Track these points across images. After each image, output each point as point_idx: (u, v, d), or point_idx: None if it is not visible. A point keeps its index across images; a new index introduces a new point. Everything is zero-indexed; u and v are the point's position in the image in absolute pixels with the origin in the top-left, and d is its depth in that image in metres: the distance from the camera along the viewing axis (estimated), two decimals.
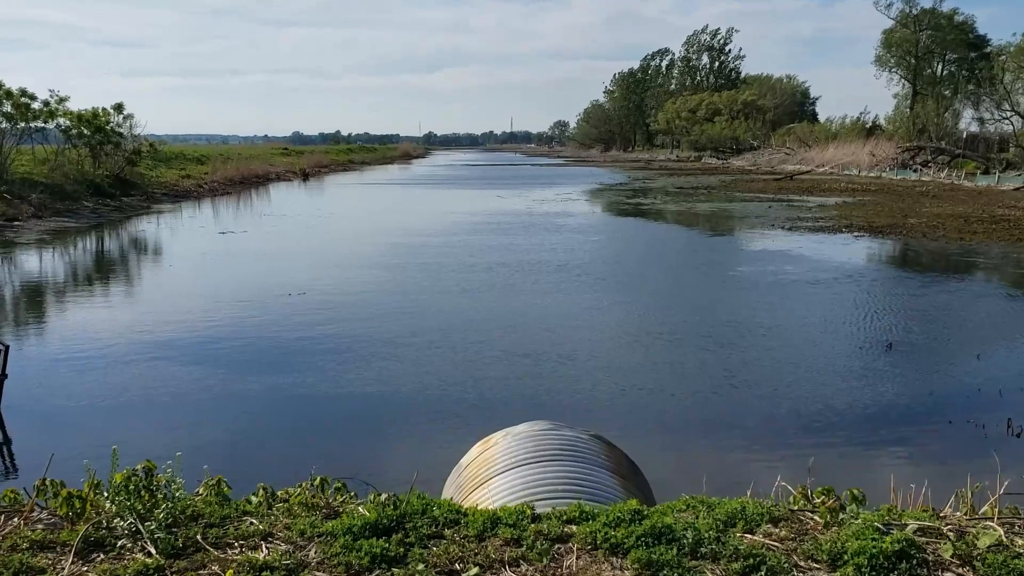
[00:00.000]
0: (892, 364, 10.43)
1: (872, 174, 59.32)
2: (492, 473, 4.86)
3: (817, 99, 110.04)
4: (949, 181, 49.54)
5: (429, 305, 13.92)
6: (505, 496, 4.38)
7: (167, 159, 47.38)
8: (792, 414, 8.51)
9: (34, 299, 15.14)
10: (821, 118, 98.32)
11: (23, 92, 30.67)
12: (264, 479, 3.85)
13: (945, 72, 78.99)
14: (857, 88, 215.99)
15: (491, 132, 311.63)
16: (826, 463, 6.72)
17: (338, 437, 8.00)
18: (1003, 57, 68.09)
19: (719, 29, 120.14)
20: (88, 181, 33.54)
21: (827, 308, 13.95)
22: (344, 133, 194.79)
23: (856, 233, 24.53)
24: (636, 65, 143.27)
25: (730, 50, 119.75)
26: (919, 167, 57.98)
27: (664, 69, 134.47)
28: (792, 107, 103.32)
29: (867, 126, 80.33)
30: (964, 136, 64.74)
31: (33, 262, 19.39)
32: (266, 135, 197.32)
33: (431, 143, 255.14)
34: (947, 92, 75.97)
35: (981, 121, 72.66)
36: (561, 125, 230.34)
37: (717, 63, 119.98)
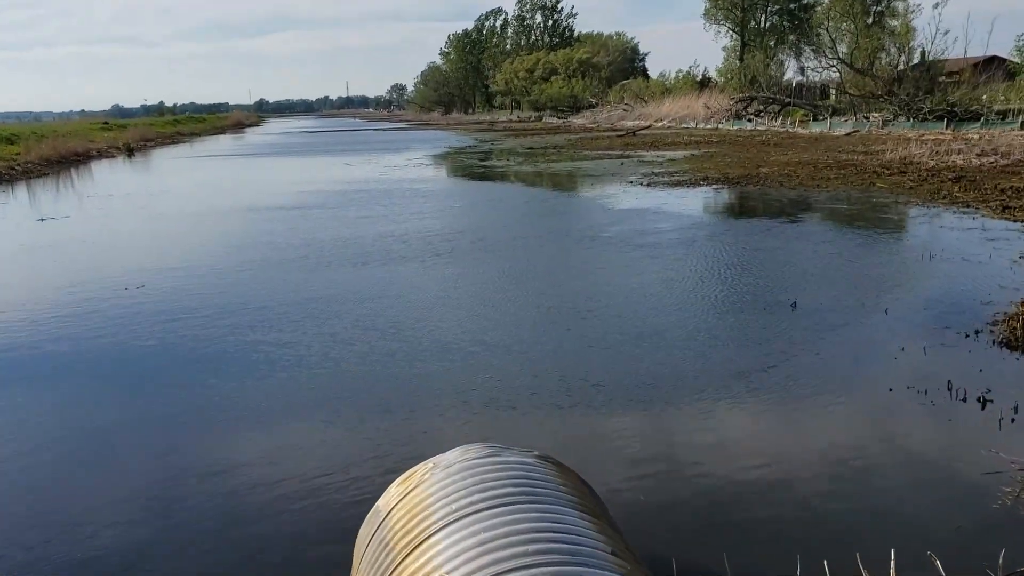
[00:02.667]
0: (799, 325, 9.98)
1: (709, 126, 60.83)
2: (430, 529, 3.76)
3: (646, 55, 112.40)
4: (784, 129, 51.30)
5: (280, 288, 12.55)
6: (460, 569, 3.32)
7: None
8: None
9: None
10: (652, 74, 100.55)
11: None
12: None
13: (768, 24, 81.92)
14: (683, 43, 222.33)
15: (327, 98, 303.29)
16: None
17: (182, 461, 6.71)
18: (819, 8, 71.19)
19: None
20: None
21: (708, 265, 13.55)
22: (169, 104, 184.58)
23: (715, 186, 24.60)
24: (471, 26, 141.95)
25: (562, 8, 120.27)
26: (752, 116, 59.85)
27: (499, 29, 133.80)
28: (624, 64, 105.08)
29: (698, 79, 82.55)
30: (794, 85, 67.40)
31: None
32: (83, 110, 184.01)
33: (263, 111, 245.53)
34: (772, 43, 78.96)
35: (803, 70, 76.02)
36: (399, 88, 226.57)
37: (551, 21, 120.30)
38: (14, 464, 6.67)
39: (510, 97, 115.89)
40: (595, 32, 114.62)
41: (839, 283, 12.30)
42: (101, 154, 54.04)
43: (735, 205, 21.38)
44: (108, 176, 39.91)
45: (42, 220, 22.28)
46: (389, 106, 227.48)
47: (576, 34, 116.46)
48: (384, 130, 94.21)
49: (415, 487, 4.32)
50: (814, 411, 7.35)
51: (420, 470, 4.46)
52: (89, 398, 8.20)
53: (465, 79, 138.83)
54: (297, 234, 18.06)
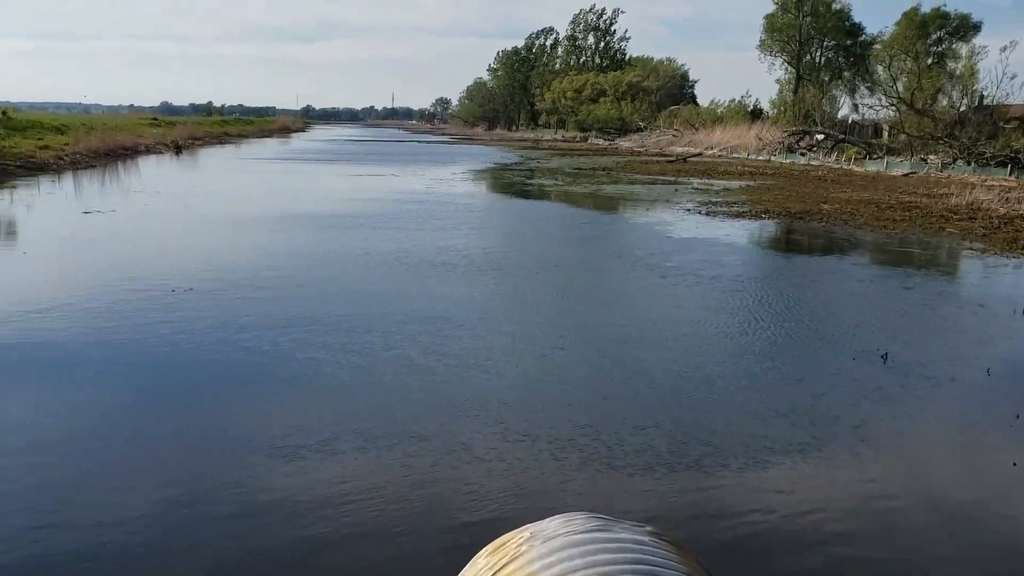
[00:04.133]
0: (894, 380, 9.15)
1: (761, 158, 59.81)
2: None
3: (696, 82, 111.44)
4: (839, 166, 50.19)
5: (332, 300, 11.92)
6: None
7: (22, 128, 42.92)
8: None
9: None
10: (701, 101, 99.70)
11: None
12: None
13: (823, 58, 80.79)
14: (732, 72, 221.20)
15: (372, 107, 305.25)
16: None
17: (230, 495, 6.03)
18: (876, 46, 70.07)
19: (604, 9, 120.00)
20: None
21: (786, 304, 12.75)
22: (217, 104, 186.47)
23: (777, 219, 23.79)
24: (520, 43, 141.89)
25: (615, 31, 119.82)
26: (805, 151, 58.77)
27: (549, 48, 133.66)
28: (673, 89, 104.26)
29: (750, 110, 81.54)
30: (849, 122, 66.31)
31: None
32: (132, 104, 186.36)
33: (309, 117, 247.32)
34: (826, 78, 77.85)
35: (857, 107, 74.79)
36: (443, 102, 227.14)
37: (603, 43, 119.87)
38: (46, 466, 6.07)
39: (556, 116, 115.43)
40: (645, 56, 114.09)
41: (928, 334, 11.46)
42: (149, 150, 54.22)
43: (802, 241, 20.54)
44: (155, 172, 39.86)
45: (87, 213, 21.94)
46: (433, 119, 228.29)
47: (627, 57, 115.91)
48: (428, 142, 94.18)
49: (510, 561, 3.60)
50: (932, 480, 6.54)
51: (514, 540, 3.75)
52: (130, 404, 7.59)
53: (511, 96, 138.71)
54: (348, 245, 17.49)
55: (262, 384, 8.34)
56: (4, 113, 36.42)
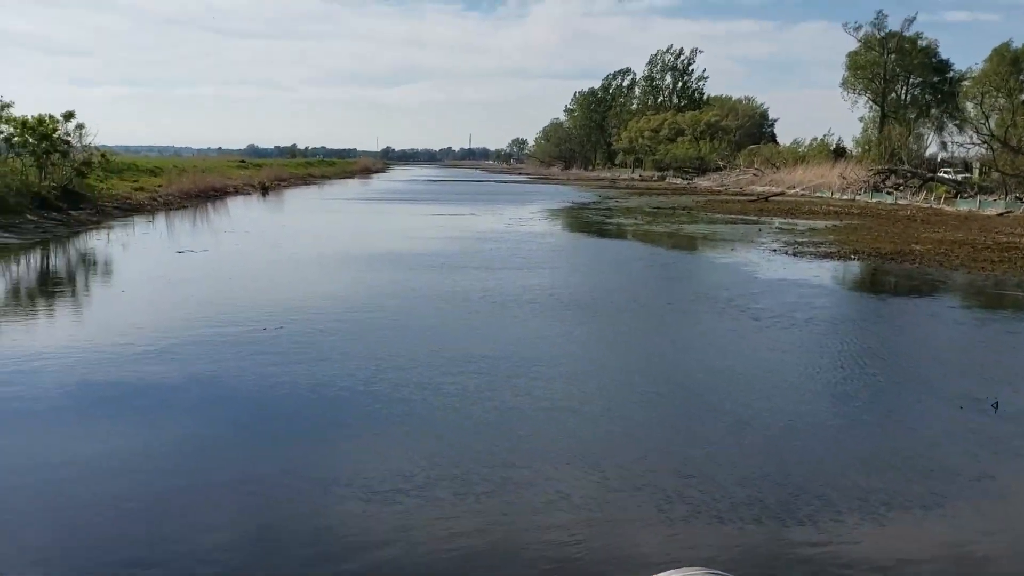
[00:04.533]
0: (1009, 431, 8.66)
1: (845, 197, 58.53)
2: None
3: (775, 121, 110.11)
4: (928, 205, 48.74)
5: (421, 340, 11.90)
6: None
7: (119, 170, 44.63)
8: None
9: None
10: (780, 140, 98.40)
11: None
12: None
13: (909, 96, 79.05)
14: (813, 110, 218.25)
15: (449, 148, 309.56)
16: None
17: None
18: (965, 83, 68.28)
19: (682, 49, 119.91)
20: (33, 193, 30.84)
21: (886, 349, 12.27)
22: (300, 146, 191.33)
23: (866, 260, 23.11)
24: (596, 84, 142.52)
25: (693, 70, 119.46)
26: (892, 190, 57.34)
27: (626, 88, 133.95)
28: (752, 128, 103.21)
29: (833, 148, 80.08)
30: (938, 160, 64.55)
31: None
32: (220, 147, 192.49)
33: (389, 158, 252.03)
34: (912, 116, 76.12)
35: (945, 145, 72.82)
36: (519, 142, 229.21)
37: (680, 83, 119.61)
38: (138, 497, 6.11)
39: (633, 155, 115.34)
40: (724, 95, 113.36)
41: None
42: (237, 191, 55.83)
43: (896, 283, 19.89)
44: (243, 213, 40.98)
45: (181, 252, 22.55)
46: (509, 159, 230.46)
47: (705, 96, 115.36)
48: (505, 182, 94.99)
49: None
50: None
51: None
52: (226, 442, 7.65)
53: (588, 136, 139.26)
54: (435, 284, 17.55)
55: (358, 426, 8.33)
56: (103, 156, 37.76)
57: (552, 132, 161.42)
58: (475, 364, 10.67)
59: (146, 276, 18.90)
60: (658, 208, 46.92)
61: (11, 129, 31.05)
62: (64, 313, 14.65)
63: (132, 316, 13.89)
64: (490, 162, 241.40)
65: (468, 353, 11.31)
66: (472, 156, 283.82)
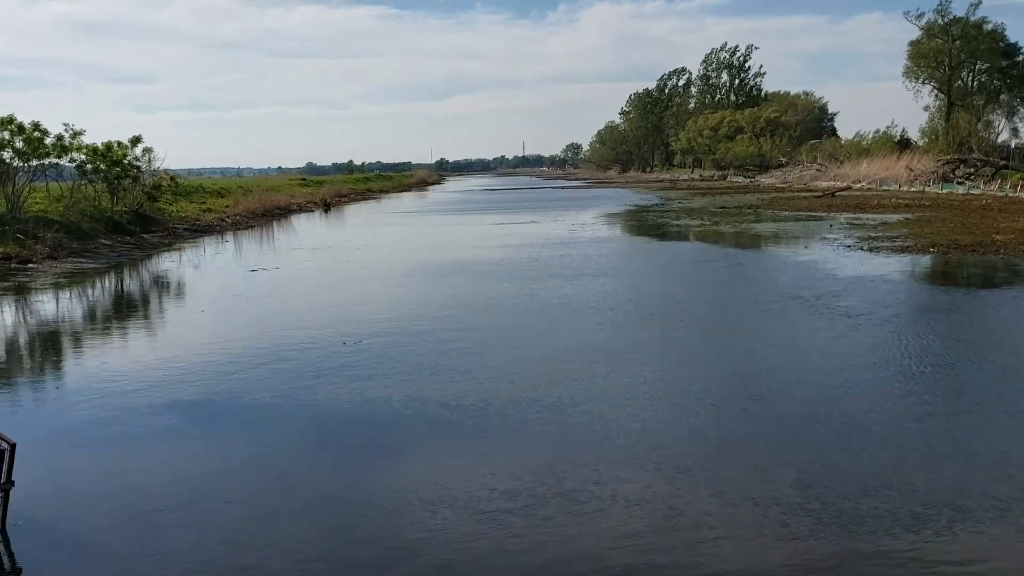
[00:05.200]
0: None
1: (914, 189, 56.96)
2: None
3: (835, 115, 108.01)
4: (1003, 194, 47.15)
5: (514, 351, 11.71)
6: None
7: (187, 192, 45.54)
8: None
9: (48, 361, 13.01)
10: (841, 134, 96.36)
11: (36, 126, 28.80)
12: None
13: (976, 82, 76.69)
14: (873, 102, 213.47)
15: (503, 157, 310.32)
16: None
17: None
18: None
19: (737, 47, 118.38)
20: (106, 218, 31.61)
21: (998, 348, 11.72)
22: (357, 162, 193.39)
23: (946, 253, 22.32)
24: (650, 85, 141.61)
25: (749, 67, 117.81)
26: (963, 180, 55.64)
27: (681, 88, 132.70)
28: (812, 123, 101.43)
29: (897, 140, 78.13)
30: (1012, 147, 62.47)
31: (48, 310, 17.29)
32: (280, 166, 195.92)
33: (443, 169, 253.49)
34: (980, 102, 73.85)
35: (1017, 131, 70.51)
36: (574, 147, 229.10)
37: (737, 80, 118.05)
38: (218, 518, 6.01)
39: (692, 155, 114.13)
40: (782, 91, 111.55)
41: None
42: (300, 208, 56.58)
43: (983, 275, 19.12)
44: (308, 229, 41.43)
45: (253, 271, 22.78)
46: (564, 165, 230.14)
47: (763, 93, 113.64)
48: (562, 188, 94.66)
49: None
50: None
51: None
52: (318, 459, 7.55)
53: (644, 137, 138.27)
54: (509, 293, 17.38)
55: (452, 440, 8.15)
56: (172, 179, 38.61)
57: (607, 135, 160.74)
58: (566, 374, 10.45)
59: (223, 295, 19.08)
60: (723, 208, 46.19)
61: (83, 156, 31.80)
62: (148, 334, 14.82)
63: (214, 335, 13.97)
64: (544, 169, 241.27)
65: (557, 363, 11.10)
66: (526, 164, 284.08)
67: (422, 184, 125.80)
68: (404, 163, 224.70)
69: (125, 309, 17.69)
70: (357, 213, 55.89)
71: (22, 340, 14.24)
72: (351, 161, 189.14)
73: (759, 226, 33.56)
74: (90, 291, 20.47)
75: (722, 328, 13.65)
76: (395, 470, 7.45)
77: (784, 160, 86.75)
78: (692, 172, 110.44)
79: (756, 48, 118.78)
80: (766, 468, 7.12)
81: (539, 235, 31.94)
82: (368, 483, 7.17)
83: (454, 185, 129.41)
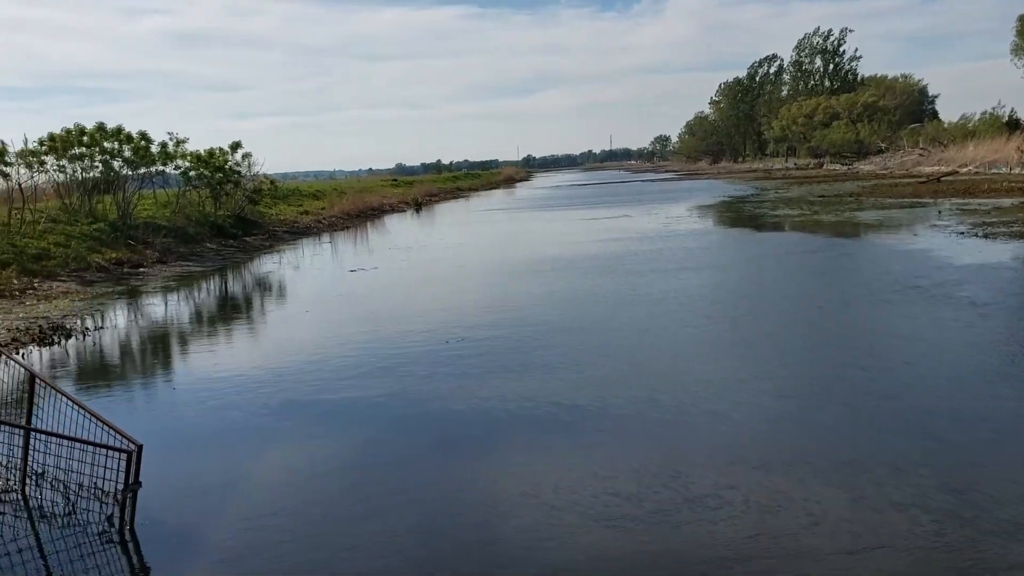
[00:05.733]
0: None
1: None
2: None
3: (936, 97, 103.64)
4: None
5: (626, 348, 11.44)
6: None
7: (284, 196, 46.62)
8: None
9: (163, 362, 13.32)
10: (942, 116, 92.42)
11: (143, 136, 29.81)
12: None
13: None
14: (976, 83, 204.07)
15: (590, 151, 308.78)
16: None
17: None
18: None
19: (831, 31, 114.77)
20: (210, 223, 32.55)
21: None
22: (445, 162, 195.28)
23: None
24: (740, 74, 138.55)
25: (844, 51, 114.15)
26: None
27: (773, 76, 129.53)
28: (912, 107, 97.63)
29: (1005, 121, 74.49)
30: None
31: (160, 312, 17.80)
32: (370, 168, 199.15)
33: (530, 166, 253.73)
34: None
35: None
36: (662, 140, 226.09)
37: (831, 65, 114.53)
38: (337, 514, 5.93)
39: (785, 144, 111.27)
40: (879, 75, 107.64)
41: None
42: (393, 208, 57.30)
43: None
44: (401, 229, 41.85)
45: (353, 271, 23.03)
46: (652, 157, 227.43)
47: (859, 77, 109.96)
48: (652, 181, 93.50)
49: None
50: None
51: None
52: (417, 454, 7.44)
53: (735, 127, 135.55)
54: (613, 289, 17.09)
55: (574, 440, 7.93)
56: (272, 183, 39.59)
57: (696, 126, 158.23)
58: (683, 371, 10.15)
59: (325, 295, 19.33)
60: (822, 196, 44.79)
61: (187, 163, 32.79)
62: (257, 334, 15.08)
63: (320, 335, 14.10)
64: (633, 162, 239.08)
65: (671, 360, 10.80)
66: (614, 157, 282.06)
67: (510, 181, 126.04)
68: (490, 161, 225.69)
69: (234, 311, 18.07)
70: (448, 212, 56.26)
71: (138, 342, 14.64)
72: (439, 161, 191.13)
73: (863, 214, 32.35)
74: (199, 294, 21.01)
75: (841, 321, 13.06)
76: (513, 472, 7.29)
77: (883, 146, 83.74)
78: (786, 161, 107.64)
79: (851, 31, 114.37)
80: (908, 470, 6.68)
81: (634, 229, 31.49)
82: (485, 485, 7.03)
83: (541, 181, 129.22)
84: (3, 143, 24.78)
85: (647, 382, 9.69)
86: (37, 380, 7.42)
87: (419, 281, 21.08)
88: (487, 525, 6.23)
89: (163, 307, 18.52)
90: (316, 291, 20.14)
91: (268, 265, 26.53)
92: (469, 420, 8.83)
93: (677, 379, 9.76)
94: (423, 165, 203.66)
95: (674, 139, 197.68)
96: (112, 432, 6.59)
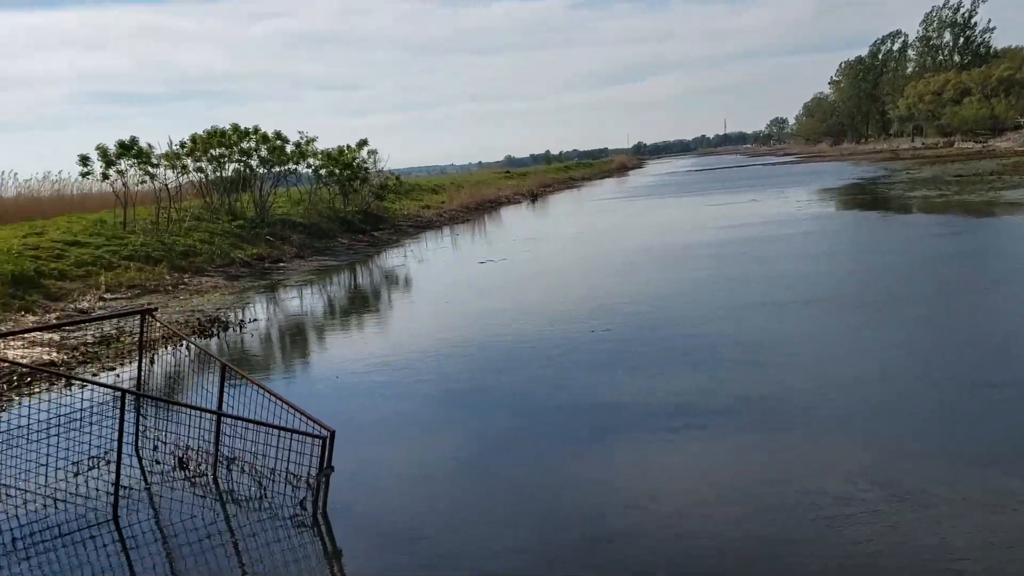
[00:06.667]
0: None
1: None
2: None
3: None
4: None
5: (775, 341, 11.13)
6: None
7: (405, 191, 47.52)
8: None
9: (322, 352, 13.73)
10: None
11: (278, 135, 30.86)
12: None
13: None
14: None
15: (703, 136, 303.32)
16: None
17: None
18: None
19: (961, 2, 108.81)
20: (340, 218, 33.47)
21: None
22: (554, 152, 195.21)
23: None
24: (858, 52, 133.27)
25: (976, 23, 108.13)
26: None
27: (897, 53, 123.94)
28: None
29: None
30: None
31: (307, 304, 18.38)
32: (480, 161, 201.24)
33: (641, 153, 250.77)
34: None
35: None
36: (779, 122, 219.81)
37: (962, 39, 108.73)
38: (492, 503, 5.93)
39: (911, 123, 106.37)
40: (1014, 46, 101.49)
41: None
42: (508, 200, 57.61)
43: None
44: (520, 220, 42.03)
45: (482, 263, 23.22)
46: (769, 141, 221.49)
47: (991, 50, 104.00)
48: (772, 164, 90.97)
49: None
50: None
51: None
52: (587, 444, 7.39)
53: (857, 107, 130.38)
54: (757, 276, 16.67)
55: (760, 434, 7.74)
56: (397, 179, 40.41)
57: (815, 107, 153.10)
58: (864, 358, 9.80)
59: (460, 286, 19.57)
60: (959, 176, 42.59)
61: (318, 161, 33.78)
62: (405, 325, 15.35)
63: (466, 325, 14.23)
64: (748, 146, 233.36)
65: (843, 349, 10.45)
66: (728, 142, 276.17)
67: (622, 169, 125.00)
68: (600, 150, 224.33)
69: (377, 302, 18.48)
70: (563, 202, 56.18)
71: (292, 334, 15.15)
72: (547, 151, 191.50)
73: (1009, 193, 30.57)
74: (339, 287, 21.60)
75: (1011, 311, 12.33)
76: (700, 466, 7.18)
77: (1022, 121, 79.08)
78: (912, 140, 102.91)
79: (983, 1, 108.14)
80: None
81: (765, 213, 30.66)
82: (670, 478, 6.94)
83: (655, 168, 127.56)
84: (149, 146, 25.98)
85: (822, 372, 9.39)
86: (227, 368, 7.73)
87: (549, 271, 21.08)
88: (681, 515, 6.14)
89: (308, 299, 19.13)
90: (450, 283, 20.40)
91: (398, 258, 27.05)
92: (639, 410, 8.71)
93: (861, 369, 9.42)
94: (532, 156, 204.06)
95: (791, 121, 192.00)
96: (302, 418, 6.81)
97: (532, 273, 20.84)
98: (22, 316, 16.05)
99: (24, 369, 10.56)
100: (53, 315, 16.20)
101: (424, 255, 27.67)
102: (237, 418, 7.00)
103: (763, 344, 10.82)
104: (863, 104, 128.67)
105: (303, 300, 19.15)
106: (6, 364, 9.95)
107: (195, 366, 11.97)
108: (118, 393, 6.94)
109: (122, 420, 6.50)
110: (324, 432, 6.53)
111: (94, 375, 11.76)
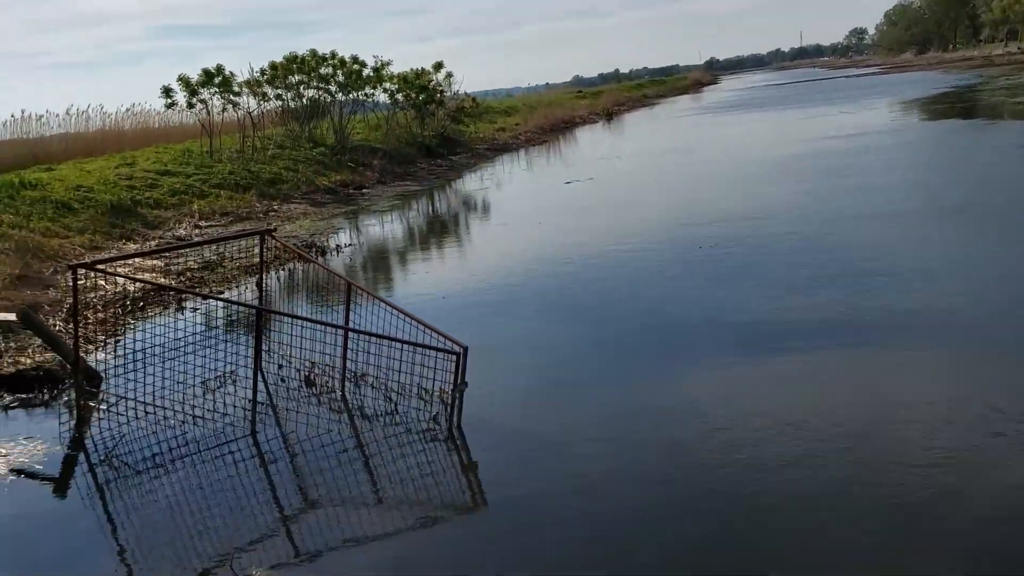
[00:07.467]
0: None
1: None
2: None
3: None
4: None
5: (902, 262, 10.61)
6: None
7: (479, 114, 46.89)
8: None
9: (426, 272, 13.63)
10: None
11: (355, 59, 30.54)
12: None
13: None
14: None
15: (778, 50, 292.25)
16: None
17: None
18: None
19: None
20: (418, 143, 33.20)
21: None
22: (623, 71, 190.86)
23: None
24: None
25: None
26: None
27: None
28: None
29: None
30: None
31: (397, 228, 18.32)
32: (547, 83, 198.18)
33: (713, 69, 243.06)
34: None
35: None
36: (858, 33, 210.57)
37: None
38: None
39: (1006, 27, 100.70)
40: None
41: None
42: (583, 120, 56.51)
43: None
44: (599, 139, 41.26)
45: (569, 183, 22.77)
46: (848, 53, 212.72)
47: None
48: (854, 76, 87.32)
49: None
50: None
51: None
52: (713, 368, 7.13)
53: (945, 13, 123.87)
54: (878, 187, 15.97)
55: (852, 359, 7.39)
56: (474, 101, 39.80)
57: (898, 15, 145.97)
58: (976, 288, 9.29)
59: (551, 207, 19.23)
60: None
61: (394, 86, 33.36)
62: (502, 245, 15.08)
63: (565, 243, 13.98)
64: (825, 59, 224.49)
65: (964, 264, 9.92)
66: (805, 55, 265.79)
67: (697, 86, 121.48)
68: (671, 67, 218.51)
69: (469, 224, 18.32)
70: (640, 120, 54.92)
71: (390, 257, 15.10)
72: (616, 70, 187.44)
73: None
74: (426, 210, 21.51)
75: None
76: (869, 379, 6.87)
77: None
78: (1007, 46, 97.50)
79: None
80: None
81: (858, 125, 29.37)
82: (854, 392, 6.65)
83: (730, 84, 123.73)
84: (232, 73, 25.98)
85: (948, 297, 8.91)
86: (352, 287, 7.63)
87: (641, 188, 20.60)
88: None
89: (398, 223, 19.08)
90: (540, 204, 20.10)
91: (480, 182, 26.75)
92: (770, 329, 8.38)
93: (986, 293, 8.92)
94: (601, 76, 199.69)
95: (871, 32, 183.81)
96: (434, 335, 6.67)
97: (622, 192, 20.39)
98: (123, 244, 16.35)
99: (169, 291, 10.60)
100: (152, 243, 16.44)
101: (507, 177, 27.33)
102: (373, 335, 6.88)
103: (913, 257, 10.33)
104: (951, 10, 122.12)
105: (393, 224, 19.10)
106: (151, 286, 10.16)
107: (309, 287, 12.01)
108: (240, 313, 6.89)
109: (259, 337, 6.46)
110: (458, 348, 6.39)
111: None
